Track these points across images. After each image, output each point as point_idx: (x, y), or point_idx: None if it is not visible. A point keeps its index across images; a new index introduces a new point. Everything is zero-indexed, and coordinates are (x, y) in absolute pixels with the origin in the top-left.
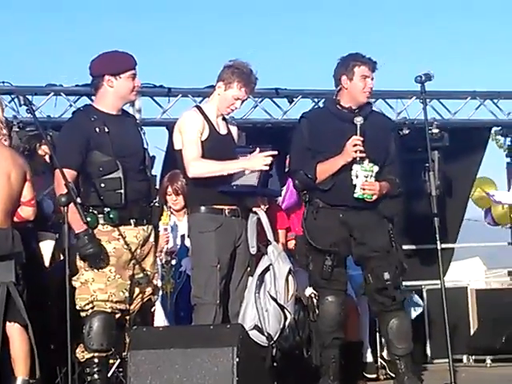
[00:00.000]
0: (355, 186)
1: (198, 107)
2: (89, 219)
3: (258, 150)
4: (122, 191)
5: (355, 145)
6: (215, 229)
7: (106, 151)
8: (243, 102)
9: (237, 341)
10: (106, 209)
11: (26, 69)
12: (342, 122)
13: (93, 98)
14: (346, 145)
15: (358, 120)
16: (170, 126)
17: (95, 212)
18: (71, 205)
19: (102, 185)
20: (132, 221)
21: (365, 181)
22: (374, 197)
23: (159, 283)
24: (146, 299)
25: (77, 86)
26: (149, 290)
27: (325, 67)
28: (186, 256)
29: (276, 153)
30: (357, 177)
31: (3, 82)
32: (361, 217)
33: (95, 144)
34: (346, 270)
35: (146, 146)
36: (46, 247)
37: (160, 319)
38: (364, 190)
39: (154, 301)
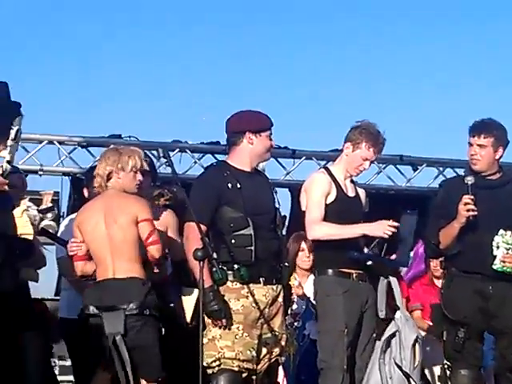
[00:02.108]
0: (495, 257)
1: (326, 169)
2: (216, 276)
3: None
4: (253, 248)
5: (466, 203)
6: (343, 293)
7: (237, 207)
8: (372, 162)
9: None
10: (235, 265)
11: (152, 124)
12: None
13: (217, 156)
14: (459, 206)
15: (469, 179)
16: (292, 187)
17: (224, 268)
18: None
19: (233, 241)
20: (261, 279)
21: (506, 253)
22: None
23: None
24: (273, 360)
25: (202, 143)
26: (276, 350)
27: (451, 136)
28: (311, 319)
29: (397, 224)
30: (497, 248)
31: (129, 137)
32: (498, 288)
33: (226, 200)
34: (482, 345)
35: (277, 206)
36: (189, 302)
37: (279, 380)
38: (504, 262)
39: (281, 362)
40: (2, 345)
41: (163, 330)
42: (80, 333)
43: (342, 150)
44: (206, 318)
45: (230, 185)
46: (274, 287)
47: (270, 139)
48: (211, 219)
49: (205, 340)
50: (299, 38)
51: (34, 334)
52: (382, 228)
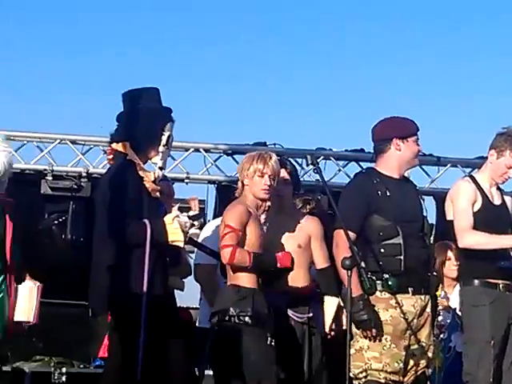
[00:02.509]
0: None
1: (471, 177)
2: (365, 286)
3: None
4: (402, 257)
5: None
6: (489, 303)
7: (386, 215)
8: None
9: None
10: (384, 275)
11: (295, 132)
12: None
13: (361, 163)
14: None
15: None
16: (437, 195)
17: (373, 278)
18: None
19: (382, 250)
20: (410, 289)
21: None
22: None
23: None
24: (420, 372)
25: (346, 150)
26: (423, 362)
27: None
28: (456, 331)
29: None
30: None
31: (274, 144)
32: None
33: (376, 207)
34: None
35: (425, 213)
36: (329, 311)
37: None
38: None
39: (428, 375)
40: (150, 348)
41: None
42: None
43: (487, 158)
44: (353, 329)
45: (379, 192)
46: (423, 297)
47: (418, 144)
48: (360, 227)
49: (352, 350)
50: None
51: (179, 342)
52: None
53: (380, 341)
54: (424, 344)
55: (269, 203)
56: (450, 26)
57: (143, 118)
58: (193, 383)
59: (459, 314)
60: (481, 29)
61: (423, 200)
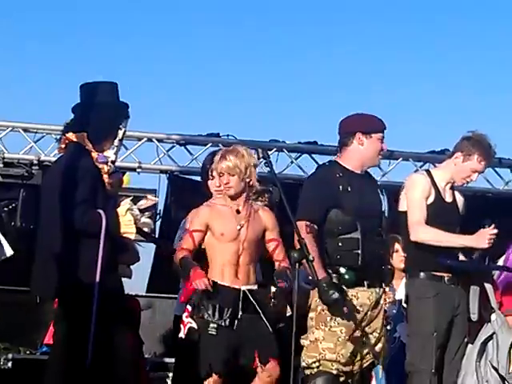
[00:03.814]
0: None
1: (428, 172)
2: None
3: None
4: (360, 252)
5: None
6: (434, 296)
7: (346, 210)
8: (480, 173)
9: None
10: (341, 269)
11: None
12: None
13: (314, 156)
14: None
15: None
16: (388, 189)
17: (330, 271)
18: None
19: (340, 244)
20: (365, 282)
21: None
22: None
23: None
24: (368, 362)
25: (299, 143)
26: (373, 353)
27: None
28: (402, 321)
29: (497, 231)
30: None
31: (228, 136)
32: None
33: (337, 202)
34: None
35: (383, 209)
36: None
37: None
38: None
39: (377, 364)
40: (98, 337)
41: None
42: None
43: (441, 152)
44: (309, 321)
45: (341, 187)
46: (377, 290)
47: (382, 142)
48: (322, 219)
49: (307, 342)
50: None
51: (126, 330)
52: (484, 239)
53: (336, 332)
54: (376, 335)
55: (244, 194)
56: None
57: (102, 112)
58: (139, 371)
59: (405, 305)
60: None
61: (383, 195)
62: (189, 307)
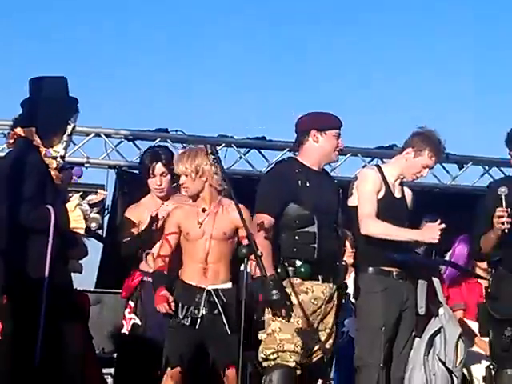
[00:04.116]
0: None
1: (378, 167)
2: (279, 270)
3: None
4: (316, 246)
5: (499, 216)
6: (382, 290)
7: (304, 205)
8: (430, 169)
9: None
10: (297, 262)
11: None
12: None
13: (262, 151)
14: (493, 219)
15: (502, 191)
16: (337, 184)
17: (286, 264)
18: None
19: (297, 237)
20: (320, 277)
21: None
22: None
23: None
24: (319, 357)
25: (248, 138)
26: (326, 347)
27: (498, 134)
28: (350, 316)
29: (444, 226)
30: None
31: (176, 131)
32: None
33: (295, 196)
34: None
35: (339, 206)
36: None
37: None
38: None
39: (327, 358)
40: (47, 333)
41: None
42: None
43: (389, 148)
44: (266, 314)
45: (299, 182)
46: (331, 285)
47: (337, 139)
48: (279, 213)
49: (264, 335)
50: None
51: (74, 326)
52: (433, 233)
53: (292, 323)
54: (328, 331)
55: (202, 194)
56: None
57: (50, 107)
58: (90, 366)
59: (353, 300)
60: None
61: (342, 192)
62: (131, 303)
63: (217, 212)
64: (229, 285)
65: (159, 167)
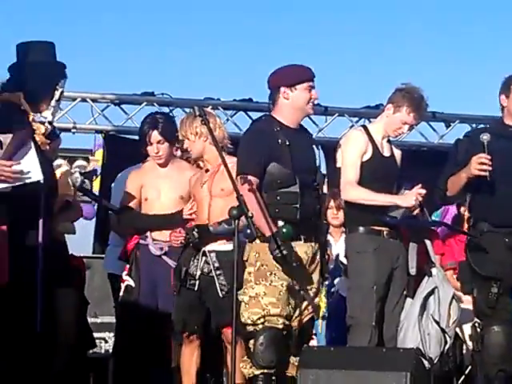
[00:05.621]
0: None
1: (364, 127)
2: (250, 235)
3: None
4: (298, 206)
5: (481, 163)
6: (373, 250)
7: (285, 164)
8: (411, 127)
9: (411, 366)
10: (280, 222)
11: (186, 81)
12: (508, 141)
13: (249, 113)
14: (472, 159)
15: (485, 138)
16: (325, 145)
17: None
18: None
19: (278, 197)
20: (302, 237)
21: None
22: None
23: None
24: (308, 317)
25: (234, 100)
26: (311, 307)
27: (485, 92)
28: (340, 276)
29: (425, 191)
30: None
31: (162, 94)
32: None
33: (276, 156)
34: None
35: (318, 164)
36: None
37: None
38: None
39: (316, 319)
40: (45, 303)
41: None
42: None
43: (376, 107)
44: (247, 276)
45: (280, 141)
46: (313, 244)
47: (310, 91)
48: (261, 172)
49: (246, 298)
50: None
51: (70, 291)
52: (412, 197)
53: (276, 286)
54: (314, 290)
55: (205, 156)
56: None
57: (39, 72)
58: (83, 331)
59: (343, 260)
60: None
61: (319, 150)
62: (128, 265)
63: (217, 170)
64: (229, 246)
65: (155, 135)
